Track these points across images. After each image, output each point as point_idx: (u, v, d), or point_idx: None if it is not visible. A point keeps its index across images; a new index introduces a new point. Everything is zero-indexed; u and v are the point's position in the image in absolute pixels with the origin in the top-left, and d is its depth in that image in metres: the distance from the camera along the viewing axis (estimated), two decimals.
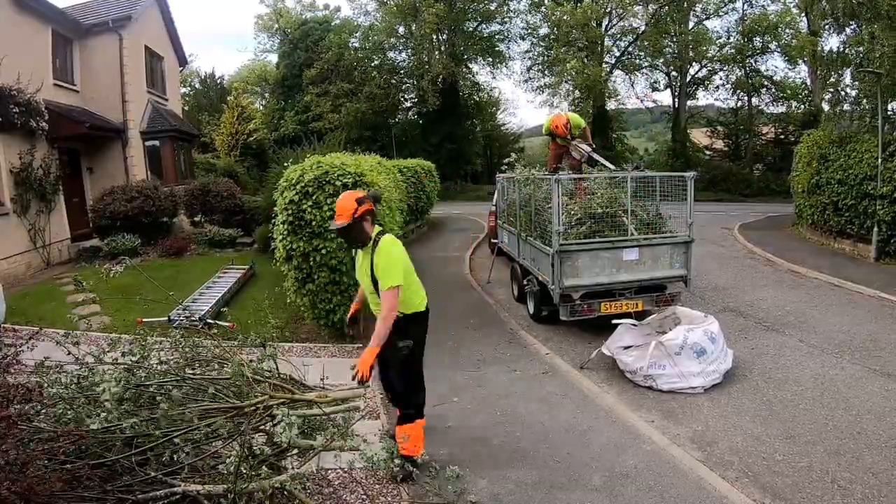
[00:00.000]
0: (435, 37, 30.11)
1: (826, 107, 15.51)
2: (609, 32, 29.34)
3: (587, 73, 26.24)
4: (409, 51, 32.21)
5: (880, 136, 9.50)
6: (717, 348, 5.09)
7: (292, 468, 2.93)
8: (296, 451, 3.03)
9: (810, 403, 4.63)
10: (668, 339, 5.03)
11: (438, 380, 5.37)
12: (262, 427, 2.92)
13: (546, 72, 30.89)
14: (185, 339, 3.59)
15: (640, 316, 6.21)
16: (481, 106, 35.22)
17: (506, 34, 32.38)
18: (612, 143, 29.51)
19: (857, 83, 11.39)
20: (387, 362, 3.70)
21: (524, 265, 7.63)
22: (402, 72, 32.90)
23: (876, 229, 9.76)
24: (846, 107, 11.92)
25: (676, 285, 6.63)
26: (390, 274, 3.37)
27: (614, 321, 5.62)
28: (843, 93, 12.13)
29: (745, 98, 28.32)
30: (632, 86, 32.03)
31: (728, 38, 28.36)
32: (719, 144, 29.57)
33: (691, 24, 28.13)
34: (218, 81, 36.27)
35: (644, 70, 30.64)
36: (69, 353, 3.31)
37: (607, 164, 7.40)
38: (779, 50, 26.85)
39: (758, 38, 27.01)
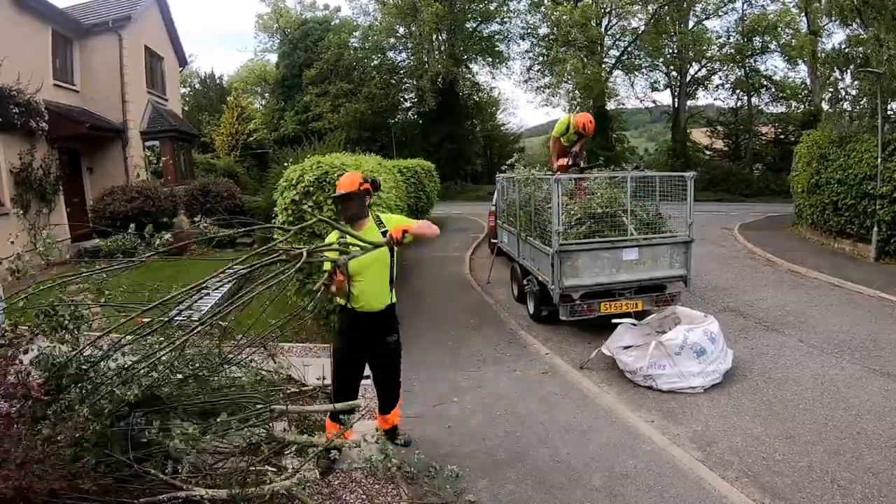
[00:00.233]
0: (435, 36, 30.11)
1: (826, 106, 15.50)
2: (609, 32, 29.35)
3: (586, 72, 26.24)
4: (409, 51, 32.23)
5: (880, 136, 9.51)
6: (717, 348, 5.09)
7: (292, 466, 2.93)
8: (295, 447, 3.04)
9: (810, 403, 4.64)
10: (668, 339, 5.03)
11: (438, 380, 5.38)
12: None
13: (546, 72, 30.91)
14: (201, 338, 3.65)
15: (639, 316, 6.21)
16: (481, 106, 35.22)
17: (505, 34, 32.43)
18: (612, 142, 29.51)
19: (856, 83, 11.39)
20: (372, 364, 3.77)
21: (524, 265, 7.63)
22: (401, 72, 32.90)
23: (876, 229, 9.76)
24: (846, 105, 11.91)
25: (676, 285, 6.63)
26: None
27: (614, 321, 5.63)
28: (843, 92, 12.13)
29: (745, 98, 28.33)
30: (631, 85, 32.05)
31: (728, 38, 28.41)
32: (719, 144, 29.57)
33: (691, 24, 28.13)
34: (218, 81, 36.27)
35: (644, 70, 30.67)
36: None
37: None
38: (778, 50, 26.87)
39: (757, 38, 27.02)
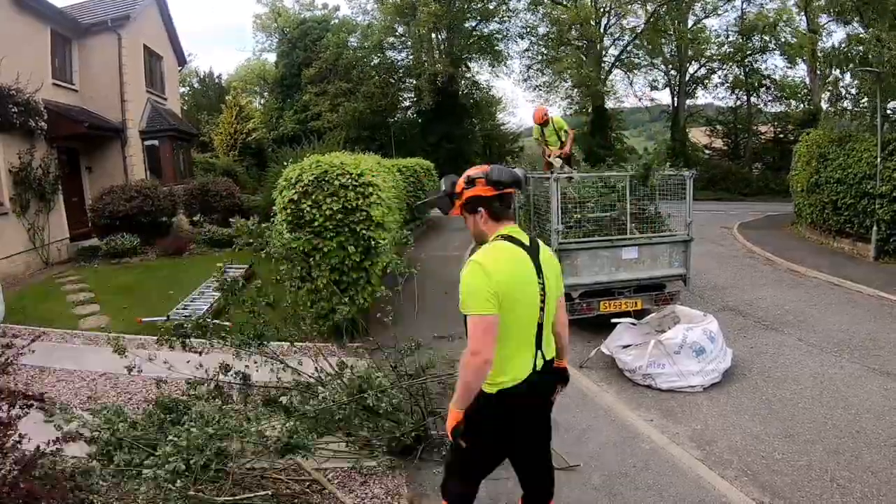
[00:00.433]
0: (434, 35, 30.09)
1: (825, 105, 15.51)
2: (608, 31, 29.34)
3: (583, 70, 26.23)
4: (408, 50, 32.19)
5: (879, 136, 9.50)
6: (717, 347, 5.09)
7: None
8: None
9: (809, 402, 4.64)
10: (668, 338, 5.03)
11: None
12: None
13: (545, 71, 30.89)
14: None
15: (639, 315, 6.21)
16: (480, 105, 35.15)
17: (505, 33, 32.38)
18: (610, 142, 29.50)
19: (856, 82, 11.40)
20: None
21: None
22: (400, 71, 32.86)
23: (875, 228, 9.76)
24: (846, 105, 11.92)
25: (676, 284, 6.63)
26: None
27: (613, 320, 5.63)
28: (842, 91, 12.14)
29: (745, 97, 28.31)
30: (630, 84, 32.07)
31: (727, 37, 28.39)
32: (718, 143, 29.54)
33: (690, 23, 28.12)
34: (217, 81, 36.23)
35: (643, 69, 30.66)
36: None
37: (574, 175, 7.38)
38: (778, 49, 26.87)
39: (756, 37, 27.00)
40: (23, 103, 10.20)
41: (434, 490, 3.46)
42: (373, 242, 6.15)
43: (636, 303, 6.36)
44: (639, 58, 30.27)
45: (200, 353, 3.84)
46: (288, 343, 4.41)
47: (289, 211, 5.96)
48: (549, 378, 2.47)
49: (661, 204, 6.77)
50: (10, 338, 5.63)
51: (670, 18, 27.48)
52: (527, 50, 32.15)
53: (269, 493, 3.02)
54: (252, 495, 2.92)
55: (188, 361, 3.89)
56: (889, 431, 4.08)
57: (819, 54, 21.33)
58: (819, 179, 11.31)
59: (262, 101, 35.50)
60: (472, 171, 2.38)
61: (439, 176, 18.30)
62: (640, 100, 31.82)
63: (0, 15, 10.31)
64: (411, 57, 31.81)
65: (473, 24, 31.49)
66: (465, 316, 2.17)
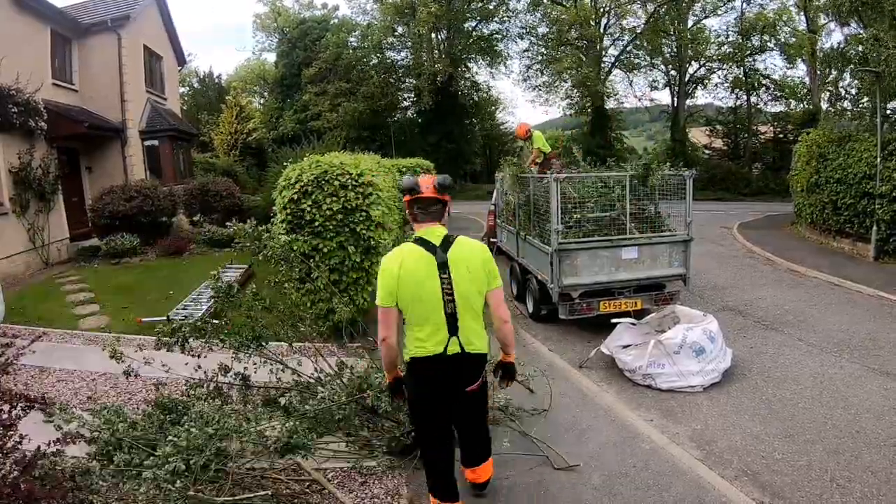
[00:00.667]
0: (434, 35, 30.09)
1: (825, 105, 15.52)
2: (608, 31, 29.33)
3: (582, 70, 26.23)
4: (408, 49, 32.20)
5: (879, 135, 9.51)
6: (717, 347, 5.09)
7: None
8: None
9: (809, 402, 4.64)
10: (667, 338, 5.03)
11: None
12: None
13: (544, 71, 30.89)
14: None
15: (639, 315, 6.22)
16: (480, 105, 35.19)
17: (504, 33, 32.39)
18: (610, 142, 29.49)
19: (855, 82, 11.41)
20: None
21: (523, 264, 7.63)
22: (400, 71, 32.87)
23: (875, 228, 9.77)
24: (846, 104, 11.93)
25: (675, 284, 6.63)
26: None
27: (613, 320, 5.63)
28: (842, 91, 12.16)
29: (744, 97, 28.32)
30: (630, 84, 32.08)
31: (727, 37, 28.40)
32: (718, 143, 29.55)
33: (690, 23, 28.12)
34: (216, 81, 36.25)
35: (643, 69, 30.67)
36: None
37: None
38: (777, 49, 26.88)
39: (756, 37, 27.00)
40: (23, 103, 10.20)
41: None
42: (373, 242, 6.15)
43: (636, 303, 6.36)
44: (639, 58, 30.29)
45: (199, 356, 3.84)
46: (287, 344, 4.41)
47: (289, 211, 5.96)
48: (465, 365, 2.85)
49: (661, 204, 6.77)
50: (10, 338, 5.63)
51: (670, 18, 27.48)
52: (526, 50, 32.22)
53: (269, 493, 3.02)
54: (252, 495, 2.92)
55: (186, 364, 3.89)
56: (889, 431, 4.08)
57: (819, 54, 21.34)
58: (819, 179, 11.31)
59: (262, 101, 35.50)
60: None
61: None
62: (639, 100, 31.91)
63: (0, 15, 10.30)
64: (411, 57, 31.83)
65: (473, 24, 31.52)
66: None
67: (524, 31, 31.47)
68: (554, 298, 6.25)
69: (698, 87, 29.64)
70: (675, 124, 29.20)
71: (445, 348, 2.75)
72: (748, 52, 27.37)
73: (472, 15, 30.87)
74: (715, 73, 29.10)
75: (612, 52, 30.21)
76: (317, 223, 5.89)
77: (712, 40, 28.59)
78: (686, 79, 28.95)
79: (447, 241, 2.81)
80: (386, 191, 7.22)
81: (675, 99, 29.43)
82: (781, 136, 26.73)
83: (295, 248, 5.93)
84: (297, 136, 24.98)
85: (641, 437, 4.19)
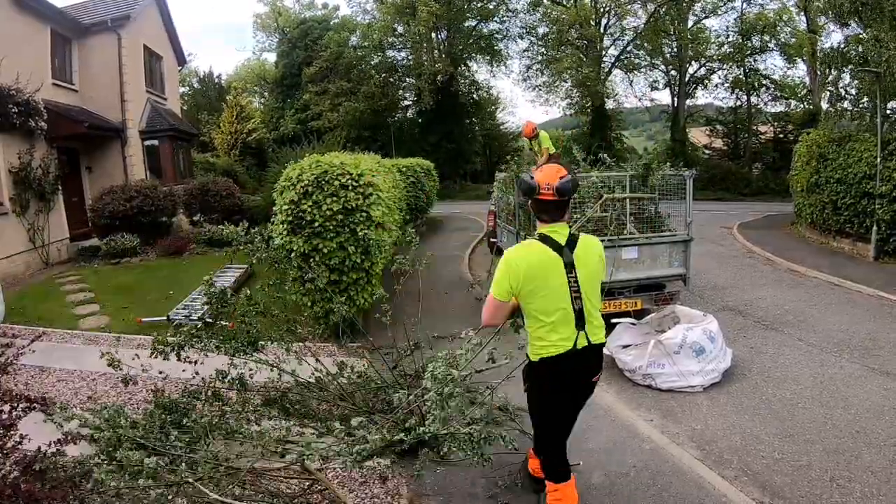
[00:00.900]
0: (434, 35, 30.09)
1: (825, 105, 15.52)
2: (608, 32, 29.34)
3: (582, 70, 26.23)
4: (408, 49, 32.20)
5: (879, 135, 9.51)
6: (717, 347, 5.10)
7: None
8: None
9: (809, 402, 4.64)
10: (667, 338, 5.03)
11: None
12: None
13: (544, 71, 30.90)
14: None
15: (638, 315, 6.21)
16: (480, 105, 35.19)
17: (504, 33, 32.41)
18: (610, 142, 29.48)
19: (856, 82, 11.41)
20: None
21: None
22: (400, 70, 32.88)
23: (875, 228, 9.76)
24: (846, 105, 11.92)
25: (675, 284, 6.63)
26: None
27: (613, 320, 5.62)
28: (842, 91, 12.15)
29: (745, 97, 28.32)
30: (630, 84, 32.04)
31: (727, 37, 28.40)
32: (718, 143, 29.56)
33: (690, 23, 28.12)
34: (216, 80, 36.26)
35: (643, 69, 30.66)
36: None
37: None
38: (777, 49, 26.88)
39: (756, 37, 27.00)
40: (23, 103, 10.20)
41: (434, 490, 3.47)
42: (373, 242, 6.15)
43: (636, 303, 6.35)
44: (639, 58, 30.28)
45: (195, 363, 3.83)
46: (284, 347, 4.40)
47: (289, 211, 5.96)
48: (592, 357, 2.93)
49: (661, 204, 6.77)
50: (10, 338, 5.63)
51: (670, 19, 27.47)
52: (526, 50, 32.22)
53: (269, 492, 3.02)
54: (252, 495, 2.92)
55: (184, 370, 3.88)
56: (889, 431, 4.09)
57: (819, 55, 21.33)
58: (819, 179, 11.31)
59: (262, 101, 35.51)
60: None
61: (439, 176, 18.32)
62: (639, 100, 31.90)
63: (0, 15, 10.30)
64: (411, 57, 31.82)
65: (473, 23, 31.51)
66: None
67: (524, 30, 31.51)
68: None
69: (698, 88, 29.65)
70: (675, 124, 29.19)
71: (575, 343, 2.80)
72: (748, 52, 27.36)
73: (472, 14, 30.87)
74: (715, 73, 29.13)
75: (613, 52, 30.26)
76: (317, 223, 5.89)
77: (712, 40, 28.60)
78: (686, 79, 28.94)
79: (572, 240, 2.81)
80: (386, 191, 7.22)
81: (675, 99, 29.42)
82: (781, 136, 26.74)
83: (294, 248, 5.95)
84: (297, 136, 25.00)
85: (641, 436, 4.19)
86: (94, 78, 13.32)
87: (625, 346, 5.41)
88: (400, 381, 4.34)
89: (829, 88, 12.74)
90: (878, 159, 9.49)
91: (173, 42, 17.35)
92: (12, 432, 2.48)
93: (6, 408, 2.53)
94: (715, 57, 28.38)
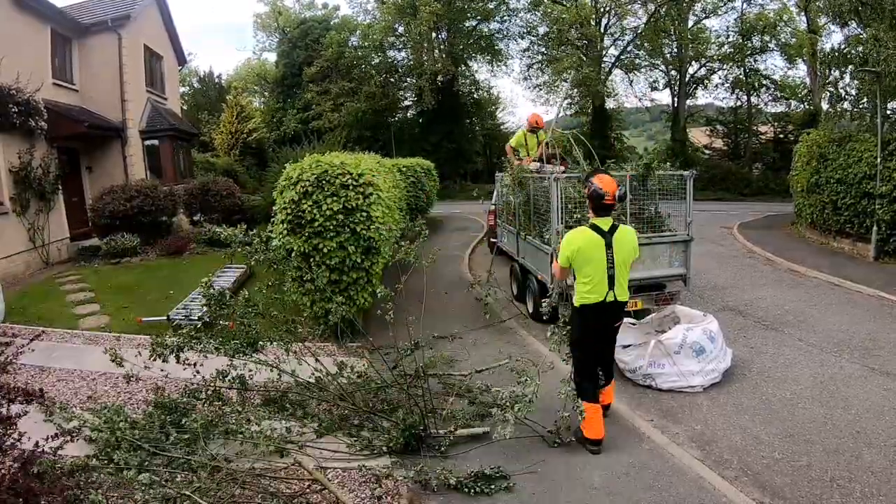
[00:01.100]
0: (434, 35, 30.09)
1: (825, 106, 15.51)
2: (608, 31, 29.33)
3: (582, 70, 26.23)
4: (408, 49, 32.20)
5: (879, 136, 9.50)
6: (717, 347, 5.09)
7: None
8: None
9: (809, 402, 4.64)
10: (668, 338, 5.03)
11: None
12: None
13: (545, 70, 30.90)
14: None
15: (639, 315, 6.21)
16: (481, 105, 35.19)
17: (505, 32, 32.40)
18: (610, 142, 29.48)
19: (856, 82, 11.40)
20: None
21: (523, 264, 7.62)
22: (400, 70, 32.88)
23: (875, 228, 9.76)
24: (846, 105, 11.91)
25: (676, 284, 6.61)
26: None
27: None
28: (842, 91, 12.14)
29: (745, 97, 28.32)
30: (630, 84, 32.03)
31: (727, 37, 28.38)
32: (718, 143, 29.54)
33: (690, 23, 28.12)
34: (217, 80, 36.26)
35: (643, 69, 30.65)
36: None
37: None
38: (778, 49, 26.87)
39: (756, 37, 27.00)
40: (23, 103, 10.20)
41: (434, 489, 3.46)
42: (373, 242, 6.15)
43: (636, 303, 6.33)
44: (639, 58, 30.27)
45: (195, 365, 3.83)
46: (283, 348, 4.40)
47: (289, 211, 5.95)
48: (616, 309, 4.07)
49: (661, 204, 6.76)
50: (10, 337, 5.63)
51: (670, 19, 27.46)
52: (527, 49, 32.23)
53: (269, 493, 3.02)
54: (252, 495, 2.92)
55: (184, 370, 3.88)
56: (889, 431, 4.08)
57: (819, 55, 21.32)
58: (819, 179, 11.31)
59: (263, 101, 35.50)
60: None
61: (440, 176, 18.31)
62: (640, 100, 31.89)
63: (0, 15, 10.30)
64: (412, 56, 31.82)
65: (474, 23, 31.51)
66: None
67: (524, 30, 31.52)
68: (554, 299, 6.24)
69: (698, 88, 29.64)
70: (675, 124, 29.19)
71: (605, 297, 3.95)
72: (748, 52, 27.36)
73: (472, 14, 30.87)
74: (715, 73, 29.11)
75: (613, 51, 30.26)
76: (317, 223, 5.88)
77: (713, 40, 28.58)
78: (686, 79, 28.93)
79: (613, 228, 3.97)
80: (386, 191, 7.22)
81: (676, 99, 29.41)
82: (782, 136, 26.73)
83: (294, 249, 5.94)
84: (298, 135, 25.00)
85: (642, 437, 4.19)
86: (95, 78, 13.32)
87: (625, 347, 5.40)
88: (400, 380, 4.34)
89: (830, 89, 12.73)
90: (879, 159, 9.48)
91: (173, 42, 17.35)
92: (11, 430, 2.48)
93: (5, 403, 2.53)
94: (715, 57, 28.37)
